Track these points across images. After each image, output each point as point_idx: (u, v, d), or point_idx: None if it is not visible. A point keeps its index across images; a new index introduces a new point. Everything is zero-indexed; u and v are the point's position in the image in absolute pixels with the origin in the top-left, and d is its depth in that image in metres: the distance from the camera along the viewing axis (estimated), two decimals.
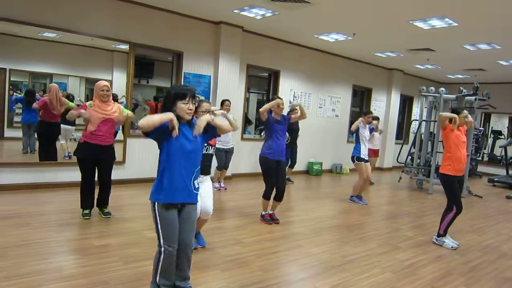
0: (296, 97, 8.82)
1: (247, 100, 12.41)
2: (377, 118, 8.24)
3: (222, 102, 6.35)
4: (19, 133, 6.19)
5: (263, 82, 10.42)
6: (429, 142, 8.54)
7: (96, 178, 4.44)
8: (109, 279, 2.93)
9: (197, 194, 2.56)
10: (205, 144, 3.39)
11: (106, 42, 6.17)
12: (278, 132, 4.59)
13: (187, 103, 2.40)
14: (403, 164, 9.30)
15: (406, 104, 12.52)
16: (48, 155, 5.89)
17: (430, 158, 8.35)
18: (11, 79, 6.23)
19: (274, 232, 4.46)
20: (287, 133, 4.96)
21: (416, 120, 10.27)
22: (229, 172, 7.36)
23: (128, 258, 3.33)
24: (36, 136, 6.00)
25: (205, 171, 3.42)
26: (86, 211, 4.37)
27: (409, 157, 9.23)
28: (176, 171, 2.42)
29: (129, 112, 4.53)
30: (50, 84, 5.97)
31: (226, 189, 6.66)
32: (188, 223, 2.55)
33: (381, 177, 9.88)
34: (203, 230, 3.97)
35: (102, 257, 3.35)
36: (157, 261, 2.47)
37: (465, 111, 4.42)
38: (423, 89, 8.38)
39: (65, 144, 6.23)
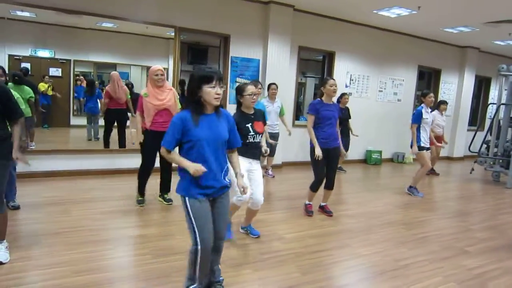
0: (353, 80, 8.18)
1: (303, 85, 11.99)
2: (444, 102, 7.44)
3: (269, 86, 6.04)
4: (83, 121, 6.52)
5: (320, 66, 9.85)
6: (509, 128, 7.46)
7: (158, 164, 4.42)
8: (137, 273, 2.82)
9: (226, 182, 2.36)
10: (252, 133, 3.27)
11: (161, 30, 6.14)
12: (325, 120, 4.19)
13: (214, 87, 2.16)
14: (477, 154, 8.25)
15: (482, 86, 11.17)
16: (109, 142, 6.07)
17: (510, 147, 7.30)
18: (76, 69, 6.49)
19: (321, 228, 4.07)
20: None
21: (493, 103, 9.07)
22: (278, 161, 7.06)
23: (159, 252, 3.16)
24: (103, 123, 6.15)
25: (256, 156, 3.40)
26: (141, 198, 4.40)
27: (484, 146, 8.16)
28: (206, 164, 2.20)
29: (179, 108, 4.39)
30: (111, 73, 6.10)
31: (273, 176, 6.37)
32: (222, 214, 2.38)
33: (450, 168, 8.92)
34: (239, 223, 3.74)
35: (133, 249, 3.25)
36: (194, 260, 2.26)
37: None
38: (502, 68, 7.32)
39: (135, 132, 6.35)
